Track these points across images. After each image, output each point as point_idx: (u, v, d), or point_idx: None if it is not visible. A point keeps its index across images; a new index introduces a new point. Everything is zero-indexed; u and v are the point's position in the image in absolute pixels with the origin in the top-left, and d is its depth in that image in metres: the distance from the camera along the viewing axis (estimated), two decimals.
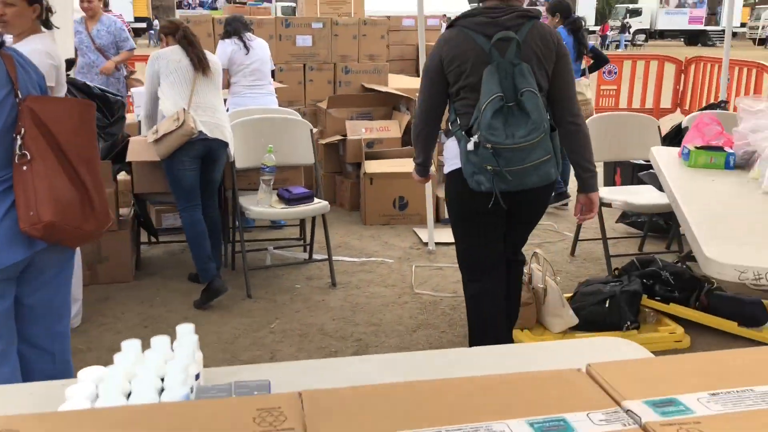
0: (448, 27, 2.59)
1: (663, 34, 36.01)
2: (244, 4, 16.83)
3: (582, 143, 2.52)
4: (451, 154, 2.48)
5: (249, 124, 3.85)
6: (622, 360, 1.00)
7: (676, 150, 3.42)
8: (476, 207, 2.42)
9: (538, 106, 2.27)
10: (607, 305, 3.15)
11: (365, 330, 3.24)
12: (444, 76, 2.44)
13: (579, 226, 4.24)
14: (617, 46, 31.37)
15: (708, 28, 35.77)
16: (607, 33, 32.13)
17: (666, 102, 8.73)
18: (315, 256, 4.08)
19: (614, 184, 5.28)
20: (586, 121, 4.19)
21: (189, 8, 30.22)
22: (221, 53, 4.44)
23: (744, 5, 38.65)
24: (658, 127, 4.14)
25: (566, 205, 5.18)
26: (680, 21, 35.23)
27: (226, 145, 3.50)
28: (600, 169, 5.70)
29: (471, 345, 2.73)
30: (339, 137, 5.15)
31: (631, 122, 4.20)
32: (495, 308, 2.63)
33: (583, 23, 4.98)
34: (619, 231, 4.74)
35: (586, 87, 4.99)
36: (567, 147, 2.51)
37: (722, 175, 3.04)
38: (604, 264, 3.85)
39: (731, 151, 3.15)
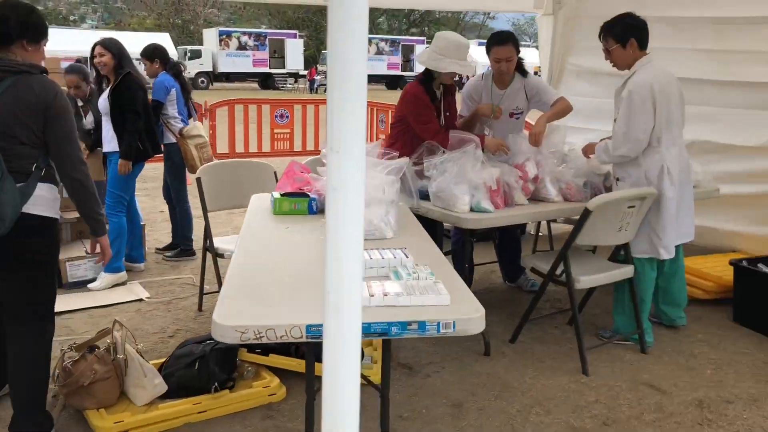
0: None
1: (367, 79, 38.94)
2: None
3: (85, 196, 2.54)
4: None
5: None
6: None
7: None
8: None
9: None
10: (196, 367, 2.96)
11: None
12: None
13: (202, 279, 4.06)
14: (325, 89, 33.02)
15: (404, 73, 39.62)
16: (315, 77, 33.77)
17: None
18: None
19: None
20: (206, 165, 4.13)
21: None
22: None
23: None
24: (275, 172, 4.15)
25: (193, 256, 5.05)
26: (380, 66, 38.48)
27: None
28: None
29: None
30: None
31: (248, 169, 4.16)
32: None
33: (183, 68, 4.94)
34: None
35: (203, 129, 4.93)
36: (73, 200, 2.54)
37: (303, 221, 3.04)
38: None
39: (314, 196, 3.20)
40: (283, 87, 35.38)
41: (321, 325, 1.91)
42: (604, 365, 3.42)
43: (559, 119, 4.00)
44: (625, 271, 3.51)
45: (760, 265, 3.94)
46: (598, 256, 3.80)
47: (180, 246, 5.09)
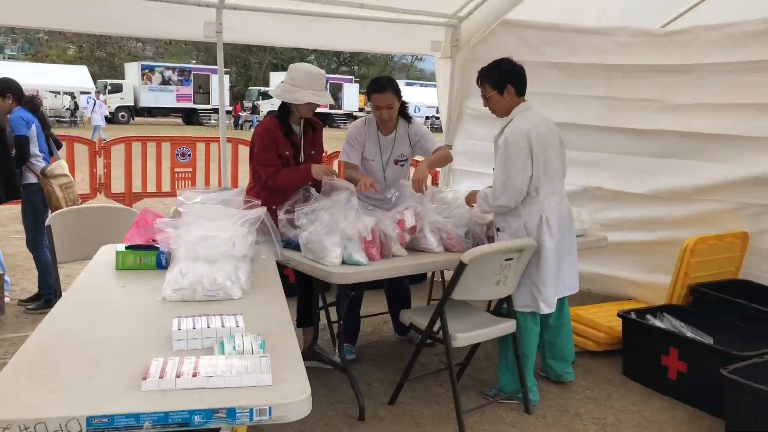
0: None
1: None
2: None
3: None
4: None
5: None
6: None
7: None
8: None
9: None
10: None
11: None
12: None
13: None
14: (250, 126, 32.65)
15: (332, 111, 39.63)
16: (240, 114, 33.31)
17: (243, 182, 8.86)
18: None
19: None
20: (59, 211, 3.73)
21: None
22: None
23: (360, 93, 44.05)
24: None
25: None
26: None
27: None
28: None
29: None
30: None
31: (107, 215, 3.79)
32: None
33: (40, 102, 4.59)
34: None
35: (67, 167, 4.59)
36: None
37: (148, 278, 2.71)
38: None
39: (164, 249, 2.88)
40: (207, 123, 34.73)
41: (107, 416, 1.62)
42: (484, 428, 3.20)
43: (439, 167, 3.87)
44: (507, 326, 3.33)
45: (648, 317, 3.85)
46: (479, 310, 3.61)
47: (44, 296, 4.63)
